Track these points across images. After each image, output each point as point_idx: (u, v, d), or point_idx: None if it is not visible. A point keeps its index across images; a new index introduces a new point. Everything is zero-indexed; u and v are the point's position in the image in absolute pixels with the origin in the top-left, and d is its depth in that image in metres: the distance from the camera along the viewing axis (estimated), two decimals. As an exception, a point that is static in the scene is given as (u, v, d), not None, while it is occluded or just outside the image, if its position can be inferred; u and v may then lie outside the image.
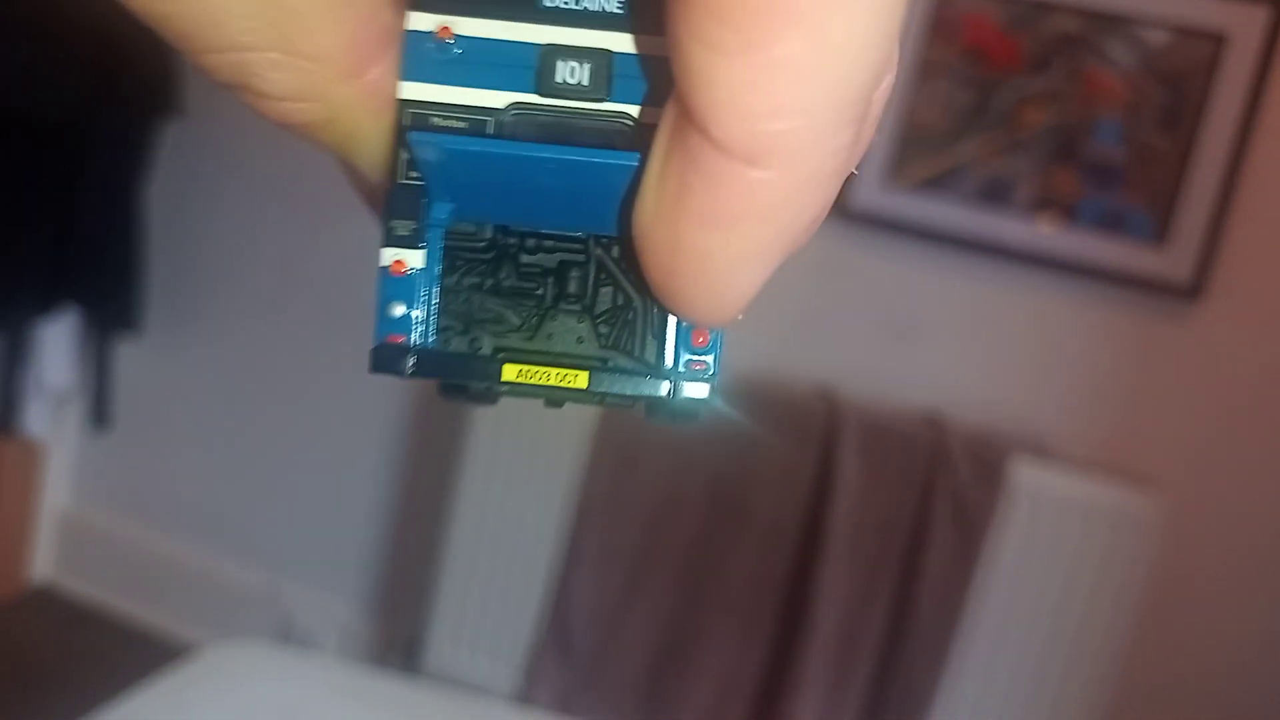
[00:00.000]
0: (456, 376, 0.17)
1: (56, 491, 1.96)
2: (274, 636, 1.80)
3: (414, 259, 0.17)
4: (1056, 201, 1.43)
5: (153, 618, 1.87)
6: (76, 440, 1.93)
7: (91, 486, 1.97)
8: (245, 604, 1.83)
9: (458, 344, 0.17)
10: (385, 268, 0.17)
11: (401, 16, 0.16)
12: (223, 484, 1.87)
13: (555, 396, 0.17)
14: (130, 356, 1.83)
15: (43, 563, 1.96)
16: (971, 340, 1.50)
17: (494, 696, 1.48)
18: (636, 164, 0.15)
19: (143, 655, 1.74)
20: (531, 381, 0.17)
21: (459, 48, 0.16)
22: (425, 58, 0.16)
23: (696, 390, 0.17)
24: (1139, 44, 1.40)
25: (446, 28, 0.16)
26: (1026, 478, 1.38)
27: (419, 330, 0.17)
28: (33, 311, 1.68)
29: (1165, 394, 1.46)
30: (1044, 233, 1.44)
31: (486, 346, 0.17)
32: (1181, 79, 1.39)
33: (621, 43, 0.16)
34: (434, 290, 0.17)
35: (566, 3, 0.16)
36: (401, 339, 0.17)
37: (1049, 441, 1.45)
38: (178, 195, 1.78)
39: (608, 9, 0.16)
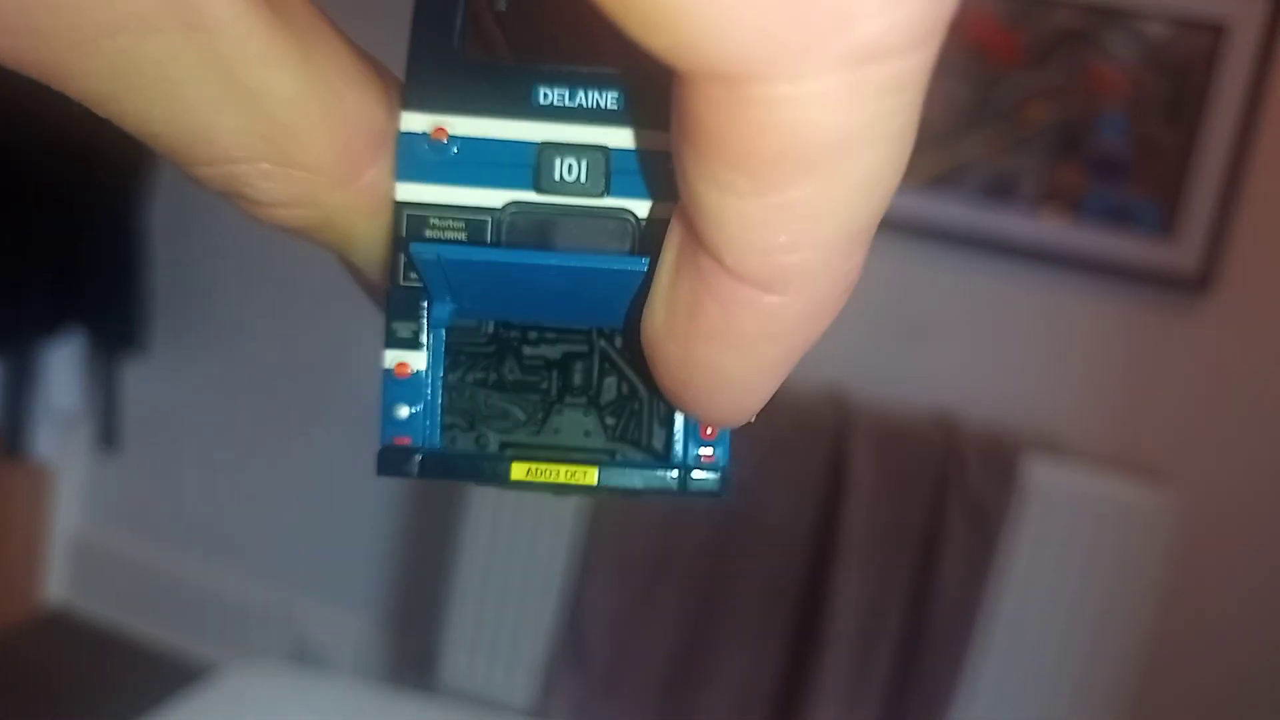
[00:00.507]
0: (464, 477, 0.17)
1: (68, 513, 1.96)
2: (288, 654, 1.80)
3: (417, 360, 0.16)
4: (1062, 196, 1.43)
5: (167, 637, 1.87)
6: (86, 461, 1.93)
7: (103, 507, 1.97)
8: (259, 622, 1.83)
9: (464, 442, 0.17)
10: (389, 370, 0.16)
11: (394, 118, 0.16)
12: (233, 501, 1.87)
13: (565, 493, 0.17)
14: (137, 376, 1.83)
15: (56, 584, 1.96)
16: (980, 338, 1.50)
17: (510, 711, 1.48)
18: (644, 269, 0.15)
19: (158, 675, 1.74)
20: (540, 479, 0.17)
21: (454, 148, 0.16)
22: (420, 159, 0.16)
23: (705, 481, 0.17)
24: (1139, 37, 1.39)
25: (441, 128, 0.16)
26: (1039, 475, 1.38)
27: (424, 431, 0.17)
28: (38, 334, 1.68)
29: (1177, 387, 1.45)
30: (1050, 228, 1.43)
31: (493, 443, 0.17)
32: (1183, 71, 1.38)
33: (619, 138, 0.16)
34: (438, 389, 0.17)
35: (562, 100, 0.16)
36: (407, 441, 0.17)
37: (1061, 438, 1.45)
38: (179, 213, 1.78)
39: (604, 105, 0.16)
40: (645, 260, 0.15)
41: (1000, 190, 1.44)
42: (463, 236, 0.16)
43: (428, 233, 0.16)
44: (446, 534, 1.57)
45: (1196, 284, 1.40)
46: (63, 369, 1.74)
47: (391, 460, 0.16)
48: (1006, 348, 1.49)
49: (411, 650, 1.72)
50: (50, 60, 0.13)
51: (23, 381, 1.69)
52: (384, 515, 1.78)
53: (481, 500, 1.50)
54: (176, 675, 1.47)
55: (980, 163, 1.44)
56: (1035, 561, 1.38)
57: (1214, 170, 1.38)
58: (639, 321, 0.15)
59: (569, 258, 0.16)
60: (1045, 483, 1.37)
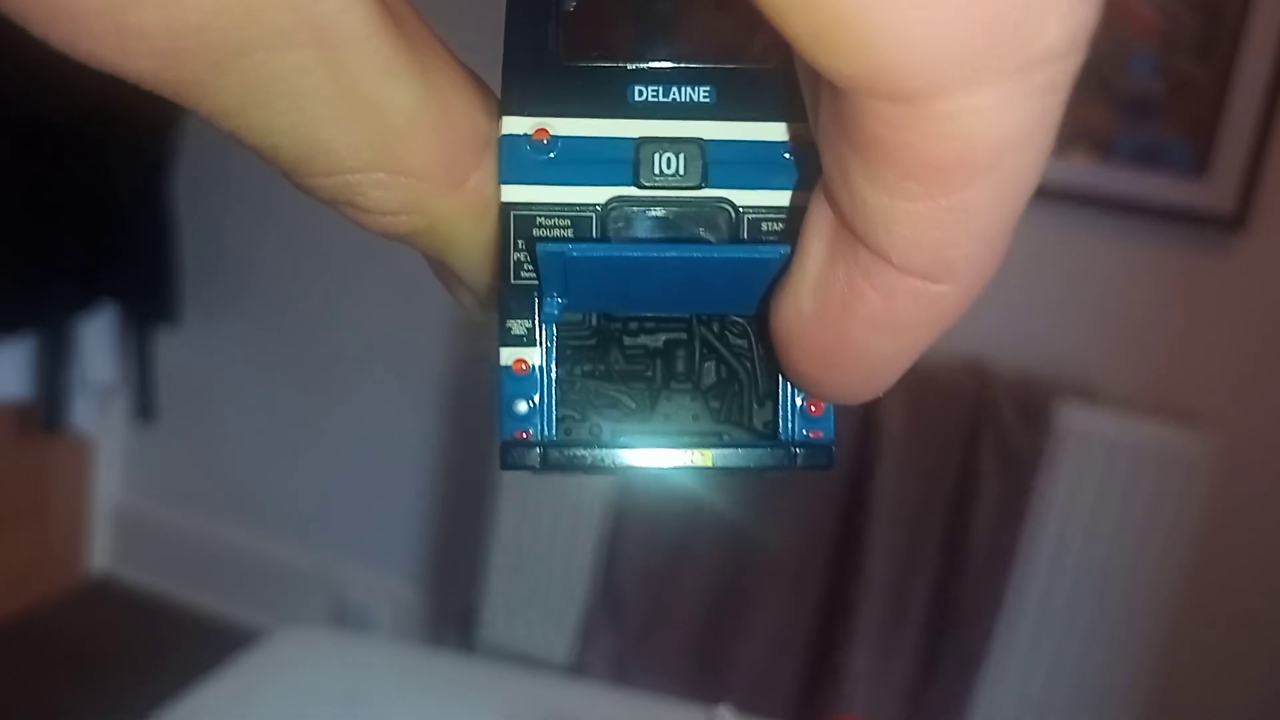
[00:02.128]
0: (583, 467, 0.17)
1: (108, 484, 1.99)
2: (329, 616, 1.83)
3: (533, 356, 0.17)
4: (1092, 137, 1.41)
5: (209, 603, 1.90)
6: (124, 433, 1.96)
7: (142, 477, 2.00)
8: (299, 585, 1.86)
9: (579, 432, 0.18)
10: (507, 366, 0.17)
11: (496, 122, 0.16)
12: (270, 467, 1.89)
13: (681, 476, 0.18)
14: (170, 347, 1.85)
15: (100, 555, 1.99)
16: (1011, 284, 1.48)
17: (549, 669, 1.50)
18: (784, 256, 0.16)
19: (202, 641, 1.78)
20: (657, 465, 0.17)
21: (555, 148, 0.17)
22: (523, 160, 0.16)
23: (816, 456, 0.17)
24: (1170, -30, 1.36)
25: (543, 129, 0.16)
26: (1073, 421, 1.37)
27: (542, 424, 0.17)
28: (71, 309, 1.70)
29: (1211, 328, 1.44)
30: (1080, 169, 1.41)
31: (606, 432, 0.18)
32: (1215, 5, 1.35)
33: (714, 130, 0.17)
34: (551, 383, 0.17)
35: (656, 96, 0.17)
36: (528, 434, 0.17)
37: (1094, 383, 1.44)
38: (205, 183, 1.79)
39: (697, 99, 0.17)
40: (785, 248, 0.16)
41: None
42: (570, 233, 0.17)
43: (535, 231, 0.17)
44: (484, 495, 1.58)
45: (1230, 224, 1.38)
46: (97, 342, 1.75)
47: (514, 454, 0.17)
48: (1037, 293, 1.48)
49: (451, 610, 1.75)
50: (188, 79, 0.13)
51: (58, 356, 1.70)
52: (421, 477, 1.80)
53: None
54: (220, 640, 1.50)
55: (1008, 106, 1.42)
56: (1070, 508, 1.38)
57: (1248, 107, 1.35)
58: (768, 308, 0.16)
59: (703, 249, 0.16)
60: (1079, 428, 1.37)
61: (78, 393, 1.75)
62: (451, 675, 0.96)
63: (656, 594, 1.48)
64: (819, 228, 0.14)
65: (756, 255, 0.16)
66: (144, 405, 1.82)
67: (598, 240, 0.17)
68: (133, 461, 2.00)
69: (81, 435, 1.86)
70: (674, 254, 0.16)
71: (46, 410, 1.72)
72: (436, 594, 1.81)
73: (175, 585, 1.93)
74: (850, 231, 0.14)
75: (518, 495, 1.52)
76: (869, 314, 0.14)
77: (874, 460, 1.38)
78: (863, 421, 1.40)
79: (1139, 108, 1.39)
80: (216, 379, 1.91)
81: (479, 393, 1.69)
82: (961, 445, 1.39)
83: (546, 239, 0.17)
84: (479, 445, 1.68)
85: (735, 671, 1.46)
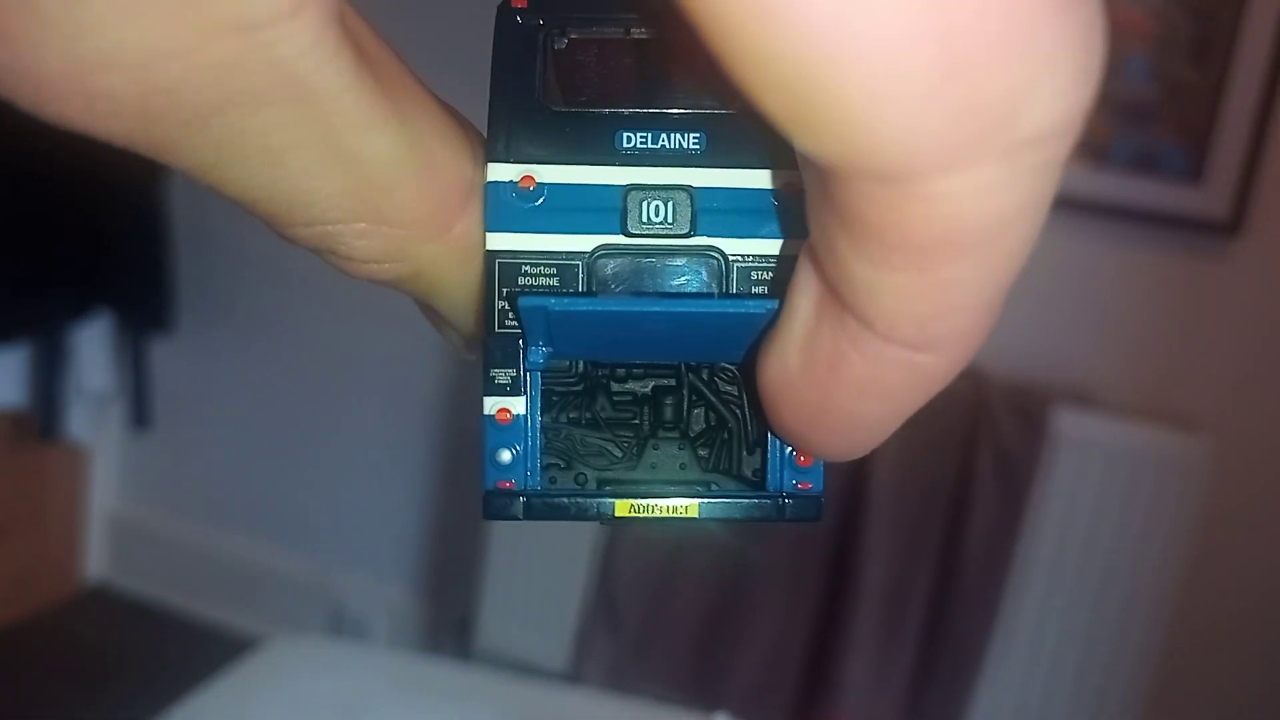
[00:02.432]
0: (568, 516, 0.17)
1: (104, 492, 1.99)
2: (325, 624, 1.82)
3: (517, 405, 0.17)
4: (1087, 143, 1.41)
5: (206, 611, 1.90)
6: (120, 441, 1.95)
7: (138, 485, 2.00)
8: (296, 593, 1.85)
9: (564, 481, 0.17)
10: (490, 416, 0.17)
11: (480, 169, 0.16)
12: (266, 476, 1.89)
13: (668, 528, 0.17)
14: (165, 355, 1.85)
15: (96, 562, 1.99)
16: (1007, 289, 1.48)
17: (546, 677, 1.49)
18: (772, 311, 0.15)
19: (199, 648, 1.77)
20: (644, 515, 0.17)
21: (541, 195, 0.16)
22: (509, 208, 0.16)
23: (804, 510, 0.17)
24: (1164, -24, 1.36)
25: (529, 176, 0.16)
26: (1069, 426, 1.37)
27: (526, 474, 0.17)
28: (66, 317, 1.69)
29: (1207, 333, 1.44)
30: (1075, 175, 1.41)
31: (592, 481, 0.18)
32: (1211, 9, 1.35)
33: (703, 178, 0.16)
34: (536, 431, 0.17)
35: (645, 143, 0.16)
36: (510, 484, 0.17)
37: (1091, 389, 1.44)
38: (201, 192, 1.77)
39: (686, 146, 0.16)
40: (772, 303, 0.15)
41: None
42: (555, 282, 0.16)
43: (520, 280, 0.16)
44: (479, 502, 1.58)
45: (1226, 229, 1.38)
46: (92, 351, 1.75)
47: (497, 504, 0.17)
48: (1034, 298, 1.48)
49: (448, 617, 1.74)
50: (160, 138, 0.13)
51: (54, 364, 1.70)
52: (417, 485, 1.80)
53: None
54: (217, 647, 1.50)
55: (1003, 112, 1.42)
56: (1066, 513, 1.37)
57: (1243, 111, 1.35)
58: (755, 358, 0.15)
59: (687, 304, 0.16)
60: (1075, 433, 1.37)
61: (73, 401, 1.75)
62: (448, 683, 0.96)
63: (653, 602, 1.48)
64: (806, 287, 0.14)
65: (743, 310, 0.16)
66: (140, 413, 1.82)
67: (582, 293, 0.16)
68: (128, 470, 1.99)
69: (77, 443, 1.86)
70: (658, 308, 0.16)
71: (42, 418, 1.72)
72: (433, 602, 1.81)
73: (172, 593, 1.93)
74: (835, 297, 0.14)
75: (514, 502, 1.51)
76: (854, 378, 0.14)
77: (869, 467, 1.38)
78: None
79: (1133, 113, 1.39)
80: (212, 387, 1.91)
81: (475, 400, 1.68)
82: (958, 451, 1.38)
83: (531, 289, 0.16)
84: (475, 451, 1.67)
85: (732, 679, 1.46)
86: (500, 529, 1.52)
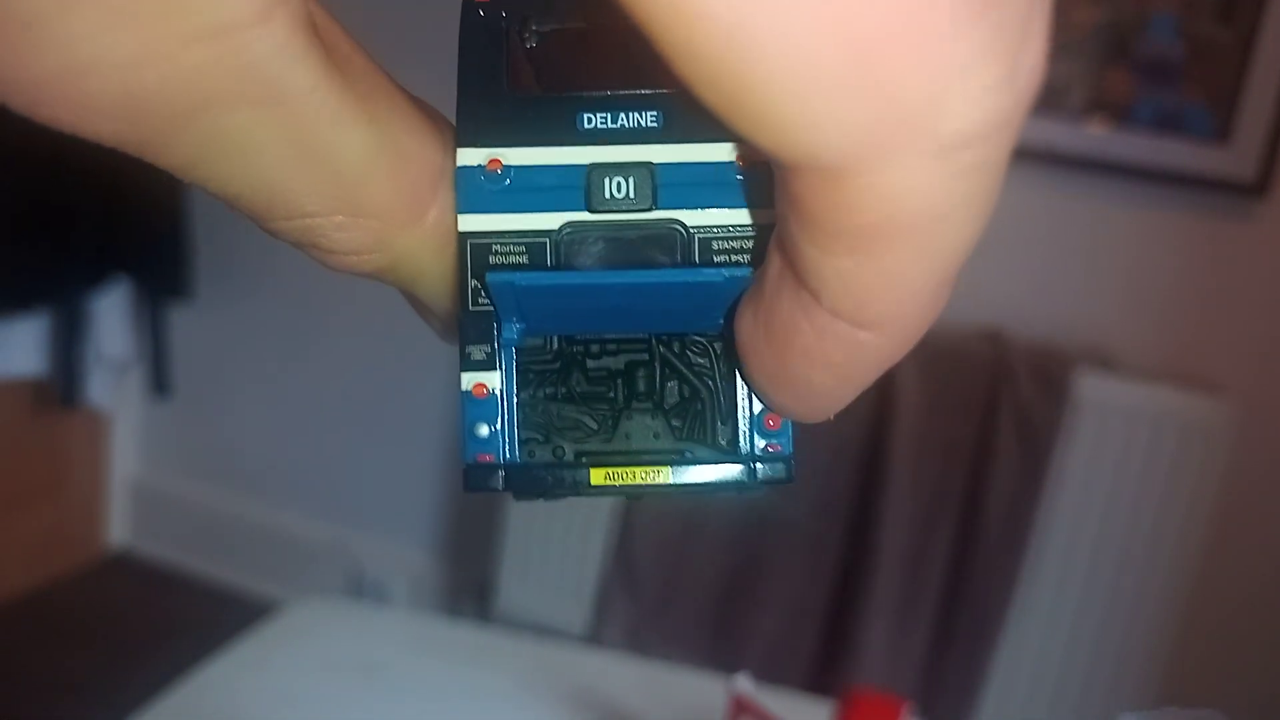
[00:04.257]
0: (546, 487, 0.18)
1: (125, 459, 2.00)
2: (346, 588, 1.84)
3: (492, 380, 0.18)
4: (1111, 103, 1.39)
5: (227, 575, 1.91)
6: (140, 407, 1.96)
7: (158, 451, 2.01)
8: (316, 558, 1.86)
9: (542, 454, 0.18)
10: (467, 391, 0.18)
11: (449, 156, 0.17)
12: (286, 441, 1.89)
13: (641, 493, 0.18)
14: (184, 322, 1.85)
15: (118, 528, 2.01)
16: (1029, 252, 1.47)
17: (566, 640, 1.50)
18: (722, 280, 0.16)
19: (220, 612, 1.79)
20: (618, 483, 0.18)
21: (509, 177, 0.17)
22: (478, 190, 0.17)
23: (773, 470, 0.18)
24: (1192, -69, 1.34)
25: (496, 159, 0.17)
26: (1091, 390, 1.36)
27: (504, 447, 0.18)
28: (85, 284, 1.70)
29: (1230, 296, 1.42)
30: (1099, 136, 1.39)
31: (569, 453, 0.18)
32: (1239, -35, 1.33)
33: (662, 154, 0.17)
34: (513, 406, 0.18)
35: (605, 123, 0.17)
36: (490, 458, 0.18)
37: (1113, 351, 1.42)
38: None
39: (644, 124, 0.17)
40: (728, 271, 0.16)
41: (1047, 98, 1.40)
42: (525, 260, 0.17)
43: (491, 259, 0.17)
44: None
45: (1252, 190, 1.36)
46: (111, 318, 1.76)
47: (477, 477, 0.18)
48: (1056, 260, 1.47)
49: (468, 581, 1.75)
50: (145, 138, 0.15)
51: (73, 331, 1.71)
52: (436, 449, 1.80)
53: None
54: (238, 612, 1.51)
55: (1025, 72, 1.40)
56: (1087, 476, 1.37)
57: (1270, 71, 1.33)
58: (733, 322, 0.16)
59: (648, 274, 0.17)
60: (1097, 397, 1.36)
61: (93, 368, 1.76)
62: (468, 643, 0.96)
63: (672, 564, 1.48)
64: (774, 256, 0.15)
65: (699, 279, 0.17)
66: (159, 380, 1.82)
67: (550, 268, 0.17)
68: (149, 436, 2.00)
69: (98, 410, 1.87)
70: (619, 280, 0.17)
71: (63, 386, 1.73)
72: (453, 566, 1.81)
73: (193, 558, 1.94)
74: (792, 270, 0.14)
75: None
76: (804, 346, 0.15)
77: (890, 430, 1.38)
78: (879, 391, 1.39)
79: (1159, 72, 1.37)
80: (231, 353, 1.91)
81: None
82: (979, 415, 1.38)
83: (501, 266, 0.17)
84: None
85: (751, 642, 1.47)
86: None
